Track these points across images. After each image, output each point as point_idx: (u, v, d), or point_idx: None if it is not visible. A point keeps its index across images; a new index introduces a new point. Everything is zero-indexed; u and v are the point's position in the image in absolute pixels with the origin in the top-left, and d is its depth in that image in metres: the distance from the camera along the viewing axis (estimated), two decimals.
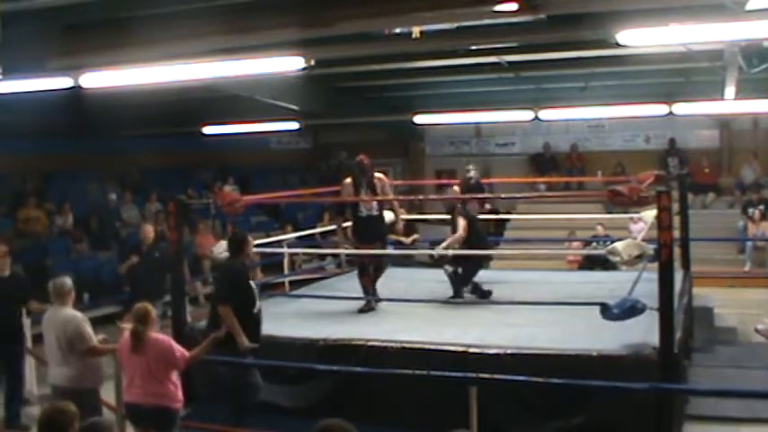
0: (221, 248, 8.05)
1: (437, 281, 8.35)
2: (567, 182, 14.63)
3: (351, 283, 9.81)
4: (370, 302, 8.07)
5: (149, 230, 9.37)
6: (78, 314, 5.75)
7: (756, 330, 8.28)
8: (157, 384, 5.22)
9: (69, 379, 5.60)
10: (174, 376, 5.36)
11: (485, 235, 9.31)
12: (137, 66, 7.69)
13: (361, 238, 8.11)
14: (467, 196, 9.67)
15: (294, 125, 16.06)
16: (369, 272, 8.20)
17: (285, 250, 10.89)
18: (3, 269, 6.95)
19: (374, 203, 8.08)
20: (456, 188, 10.40)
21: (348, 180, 8.24)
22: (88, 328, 5.69)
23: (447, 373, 5.53)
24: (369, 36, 8.94)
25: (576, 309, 7.14)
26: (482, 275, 8.55)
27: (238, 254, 6.39)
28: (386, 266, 8.50)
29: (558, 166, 16.77)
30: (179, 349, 5.35)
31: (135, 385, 5.29)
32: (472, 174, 10.19)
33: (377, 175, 8.30)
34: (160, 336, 5.38)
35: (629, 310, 6.09)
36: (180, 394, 5.39)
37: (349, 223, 8.32)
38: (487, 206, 10.81)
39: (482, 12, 6.51)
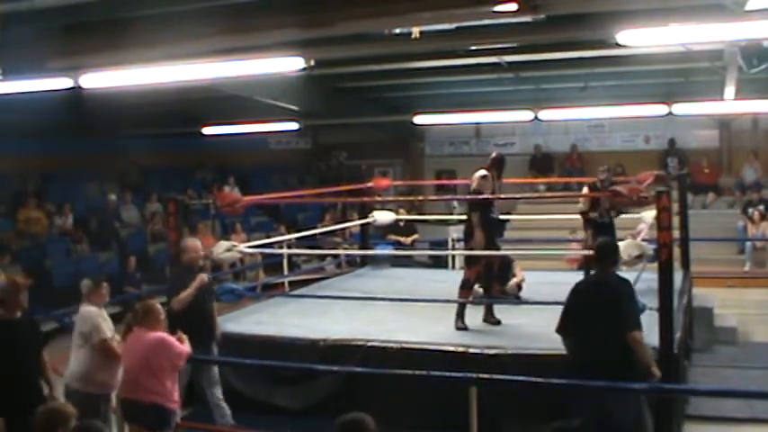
0: (221, 248, 8.07)
1: (437, 281, 8.35)
2: (566, 182, 14.62)
3: (351, 283, 9.84)
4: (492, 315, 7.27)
5: (198, 246, 6.67)
6: (94, 309, 5.66)
7: None
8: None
9: (77, 378, 5.52)
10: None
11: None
12: (137, 66, 7.69)
13: (492, 240, 7.23)
14: (600, 194, 8.46)
15: (294, 125, 16.05)
16: (495, 275, 7.48)
17: (285, 251, 10.88)
18: (14, 311, 5.36)
19: (497, 205, 7.45)
20: (585, 189, 9.09)
21: (487, 174, 7.27)
22: (105, 324, 5.63)
23: (447, 373, 5.54)
24: (369, 36, 8.93)
25: None
26: None
27: (611, 265, 5.38)
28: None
29: (553, 167, 16.76)
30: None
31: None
32: (605, 176, 8.75)
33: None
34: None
35: None
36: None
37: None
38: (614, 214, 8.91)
39: (482, 12, 6.49)
